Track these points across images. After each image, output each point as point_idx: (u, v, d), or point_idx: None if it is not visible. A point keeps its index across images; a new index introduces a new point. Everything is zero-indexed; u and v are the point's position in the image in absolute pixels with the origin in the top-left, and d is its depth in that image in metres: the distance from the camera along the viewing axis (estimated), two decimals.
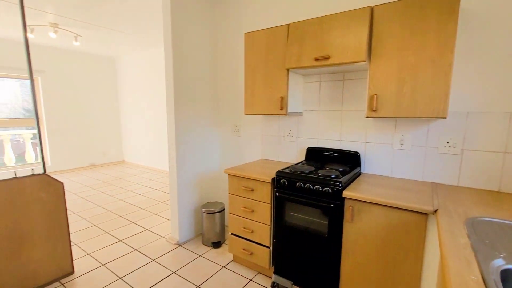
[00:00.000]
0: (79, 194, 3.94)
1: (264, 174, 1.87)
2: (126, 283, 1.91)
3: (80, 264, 2.14)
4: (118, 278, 1.97)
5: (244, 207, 1.96)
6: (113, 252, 2.33)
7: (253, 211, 1.92)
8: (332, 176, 1.58)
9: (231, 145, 2.68)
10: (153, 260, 2.20)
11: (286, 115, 1.91)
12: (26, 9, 3.07)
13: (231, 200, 2.04)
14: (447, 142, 1.60)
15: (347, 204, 1.48)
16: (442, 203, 1.27)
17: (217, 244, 2.42)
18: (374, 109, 1.53)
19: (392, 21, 1.45)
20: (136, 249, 2.37)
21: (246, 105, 2.10)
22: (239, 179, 1.97)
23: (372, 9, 1.50)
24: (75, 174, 5.14)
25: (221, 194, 2.81)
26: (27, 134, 4.97)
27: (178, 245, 2.45)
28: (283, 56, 1.85)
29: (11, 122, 4.74)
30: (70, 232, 2.69)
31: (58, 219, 1.88)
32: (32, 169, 1.64)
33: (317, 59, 1.63)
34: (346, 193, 1.46)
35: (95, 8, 3.03)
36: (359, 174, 1.85)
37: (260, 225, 1.90)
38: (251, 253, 1.98)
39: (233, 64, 2.53)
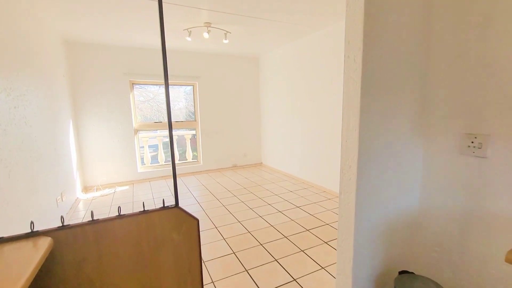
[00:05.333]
0: (221, 201, 3.77)
1: None
2: None
3: None
4: None
5: None
6: None
7: None
8: None
9: (456, 173, 1.40)
10: None
11: None
12: (184, 9, 3.03)
13: None
14: None
15: None
16: None
17: None
18: None
19: None
20: None
21: None
22: None
23: None
24: (220, 175, 5.28)
25: (420, 252, 1.58)
26: (187, 134, 5.57)
27: None
28: None
29: (177, 124, 5.39)
30: (206, 259, 2.28)
31: (190, 261, 1.33)
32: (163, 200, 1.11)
33: None
34: None
35: None
36: None
37: None
38: None
39: (470, 16, 1.26)
